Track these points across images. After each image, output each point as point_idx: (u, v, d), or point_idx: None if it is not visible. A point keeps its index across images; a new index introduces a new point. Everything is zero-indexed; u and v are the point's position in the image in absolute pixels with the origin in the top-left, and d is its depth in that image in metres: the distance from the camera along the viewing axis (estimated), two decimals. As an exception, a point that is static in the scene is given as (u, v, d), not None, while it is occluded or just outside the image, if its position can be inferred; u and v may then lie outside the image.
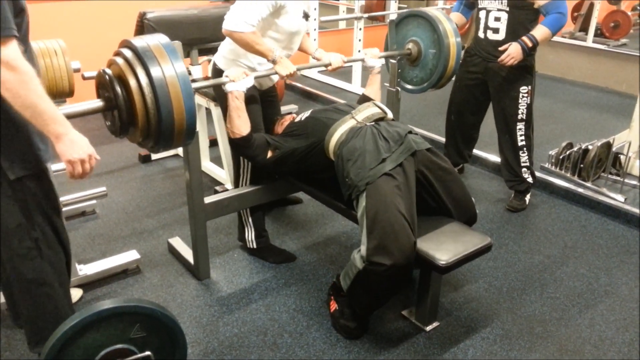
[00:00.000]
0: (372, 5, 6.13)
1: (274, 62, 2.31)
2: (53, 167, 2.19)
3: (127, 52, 1.69)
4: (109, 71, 1.70)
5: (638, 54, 5.59)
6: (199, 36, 3.34)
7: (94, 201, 3.12)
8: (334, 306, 2.27)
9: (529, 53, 2.90)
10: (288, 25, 2.36)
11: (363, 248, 2.00)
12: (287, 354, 2.13)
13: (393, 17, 5.55)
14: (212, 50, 3.05)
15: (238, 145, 2.37)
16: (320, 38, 5.50)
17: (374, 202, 2.01)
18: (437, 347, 2.18)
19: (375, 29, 6.31)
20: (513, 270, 2.68)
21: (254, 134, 2.36)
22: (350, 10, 6.25)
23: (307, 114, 2.49)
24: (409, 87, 2.96)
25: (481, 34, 3.08)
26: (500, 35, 2.98)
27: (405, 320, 2.32)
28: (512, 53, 2.89)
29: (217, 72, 2.48)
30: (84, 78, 3.07)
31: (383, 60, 2.79)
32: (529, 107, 3.09)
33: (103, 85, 1.73)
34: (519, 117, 3.09)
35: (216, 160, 3.63)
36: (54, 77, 2.37)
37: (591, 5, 6.35)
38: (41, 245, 1.68)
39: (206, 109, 3.40)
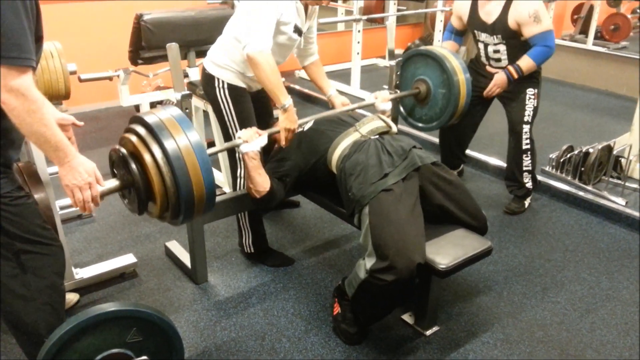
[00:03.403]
0: (370, 7, 6.13)
1: (283, 109, 2.21)
2: (49, 169, 2.17)
3: (139, 128, 1.69)
4: (122, 150, 1.70)
5: (638, 57, 5.58)
6: (196, 38, 3.33)
7: (91, 204, 3.09)
8: (337, 309, 2.25)
9: (513, 82, 3.00)
10: (279, 39, 2.30)
11: (369, 263, 1.96)
12: (285, 358, 2.11)
13: (392, 19, 5.60)
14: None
15: (264, 202, 2.24)
16: (319, 41, 5.42)
17: (378, 219, 1.98)
18: (437, 351, 2.16)
19: (374, 31, 6.30)
20: (513, 274, 2.66)
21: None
22: (349, 12, 6.24)
23: (309, 124, 2.41)
24: (419, 124, 2.96)
25: (484, 61, 3.15)
26: (503, 63, 3.06)
27: (405, 324, 2.30)
28: (498, 82, 3.02)
29: (208, 77, 2.44)
30: (80, 80, 3.05)
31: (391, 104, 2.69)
32: (535, 110, 3.10)
33: (117, 164, 1.73)
34: (525, 119, 3.09)
35: (214, 163, 3.58)
36: (50, 79, 2.34)
37: (591, 8, 6.36)
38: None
39: (204, 111, 3.38)
